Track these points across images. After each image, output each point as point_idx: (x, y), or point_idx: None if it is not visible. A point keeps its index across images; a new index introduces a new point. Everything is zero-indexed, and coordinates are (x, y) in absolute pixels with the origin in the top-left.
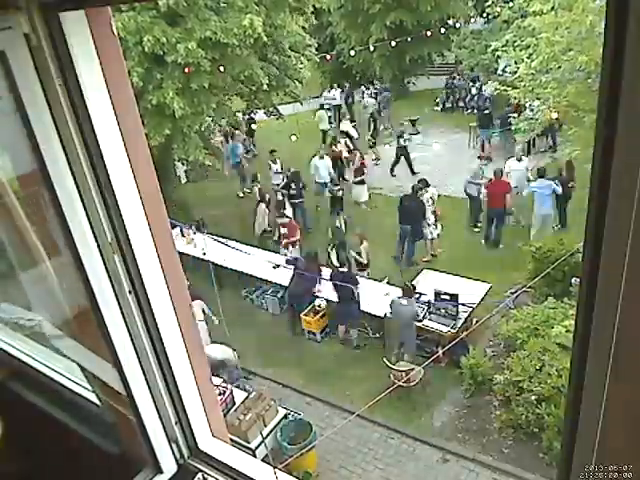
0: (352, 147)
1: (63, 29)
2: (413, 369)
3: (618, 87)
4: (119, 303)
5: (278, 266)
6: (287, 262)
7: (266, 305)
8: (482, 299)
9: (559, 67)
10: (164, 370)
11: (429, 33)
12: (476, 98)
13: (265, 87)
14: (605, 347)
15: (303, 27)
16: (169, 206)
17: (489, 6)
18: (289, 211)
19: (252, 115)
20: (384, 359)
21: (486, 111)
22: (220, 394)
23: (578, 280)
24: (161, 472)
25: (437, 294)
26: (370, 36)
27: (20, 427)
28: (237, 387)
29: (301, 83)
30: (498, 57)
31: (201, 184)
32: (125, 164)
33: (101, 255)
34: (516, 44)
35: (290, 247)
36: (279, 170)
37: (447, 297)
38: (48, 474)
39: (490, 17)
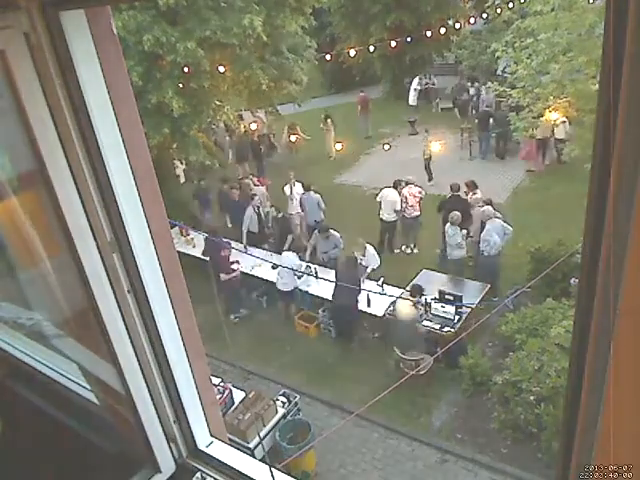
0: None
1: (63, 28)
2: (423, 358)
3: (618, 87)
4: (118, 302)
5: (277, 266)
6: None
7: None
8: (481, 299)
9: (559, 68)
10: (163, 369)
11: (429, 33)
12: (475, 98)
13: (265, 87)
14: (604, 347)
15: (303, 27)
16: (168, 205)
17: (489, 7)
18: None
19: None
20: (394, 349)
21: (485, 112)
22: (219, 393)
23: (577, 280)
24: (160, 471)
25: (441, 294)
26: (370, 36)
27: (19, 426)
28: None
29: (300, 84)
30: (498, 58)
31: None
32: (124, 163)
33: (100, 254)
34: (516, 45)
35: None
36: None
37: (451, 297)
38: (47, 473)
39: (490, 17)
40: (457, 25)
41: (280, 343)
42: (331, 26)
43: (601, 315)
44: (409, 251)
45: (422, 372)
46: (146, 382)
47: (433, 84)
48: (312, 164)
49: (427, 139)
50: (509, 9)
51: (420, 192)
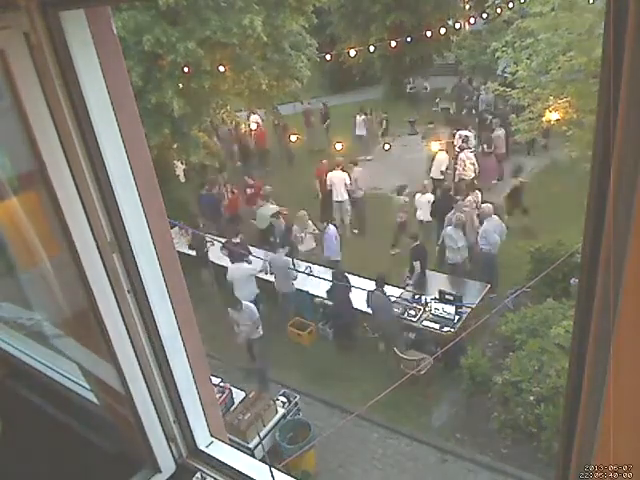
0: None
1: (63, 28)
2: (423, 358)
3: (618, 87)
4: (118, 302)
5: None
6: None
7: None
8: (481, 299)
9: (559, 68)
10: (163, 369)
11: (429, 33)
12: (475, 98)
13: (265, 86)
14: (604, 347)
15: (304, 26)
16: (168, 205)
17: (489, 7)
18: None
19: None
20: (394, 349)
21: (485, 111)
22: (219, 393)
23: (577, 281)
24: (159, 471)
25: (441, 294)
26: (370, 36)
27: (20, 426)
28: None
29: (302, 81)
30: (498, 58)
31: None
32: (124, 163)
33: (100, 254)
34: (516, 45)
35: None
36: None
37: (451, 298)
38: (47, 473)
39: (490, 17)
40: (457, 25)
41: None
42: (331, 26)
43: (601, 315)
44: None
45: (422, 372)
46: (146, 382)
47: (425, 88)
48: (309, 165)
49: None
50: (509, 9)
51: (472, 158)
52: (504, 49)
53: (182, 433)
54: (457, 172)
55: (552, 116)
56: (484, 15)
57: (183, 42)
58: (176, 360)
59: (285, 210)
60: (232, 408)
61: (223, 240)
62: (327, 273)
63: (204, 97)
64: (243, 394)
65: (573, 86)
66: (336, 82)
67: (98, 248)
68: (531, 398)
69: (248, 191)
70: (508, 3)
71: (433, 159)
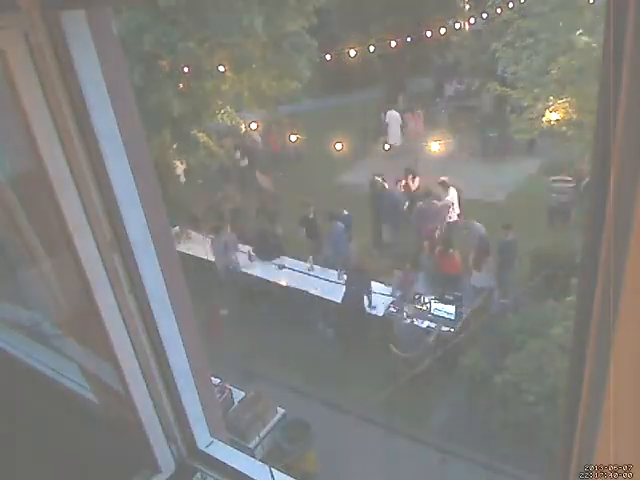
0: None
1: (63, 29)
2: (422, 358)
3: (618, 87)
4: (118, 302)
5: (284, 267)
6: None
7: None
8: (482, 299)
9: (559, 68)
10: (163, 369)
11: (429, 33)
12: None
13: (265, 87)
14: (604, 347)
15: (304, 26)
16: (168, 206)
17: (489, 6)
18: None
19: None
20: (391, 346)
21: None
22: (219, 393)
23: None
24: (160, 471)
25: (441, 294)
26: (370, 36)
27: (20, 426)
28: None
29: (302, 81)
30: (498, 58)
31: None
32: (125, 164)
33: (100, 255)
34: (516, 45)
35: None
36: None
37: (451, 297)
38: (48, 473)
39: (490, 17)
40: (457, 25)
41: None
42: (331, 26)
43: (601, 315)
44: None
45: (421, 372)
46: (146, 382)
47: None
48: (309, 165)
49: None
50: (509, 9)
51: None
52: (504, 49)
53: (182, 433)
54: None
55: (552, 116)
56: (484, 15)
57: (183, 42)
58: (176, 360)
59: None
60: (232, 408)
61: None
62: (325, 273)
63: (204, 97)
64: (243, 394)
65: (573, 86)
66: (336, 82)
67: (98, 248)
68: (531, 398)
69: None
70: (508, 3)
71: None
